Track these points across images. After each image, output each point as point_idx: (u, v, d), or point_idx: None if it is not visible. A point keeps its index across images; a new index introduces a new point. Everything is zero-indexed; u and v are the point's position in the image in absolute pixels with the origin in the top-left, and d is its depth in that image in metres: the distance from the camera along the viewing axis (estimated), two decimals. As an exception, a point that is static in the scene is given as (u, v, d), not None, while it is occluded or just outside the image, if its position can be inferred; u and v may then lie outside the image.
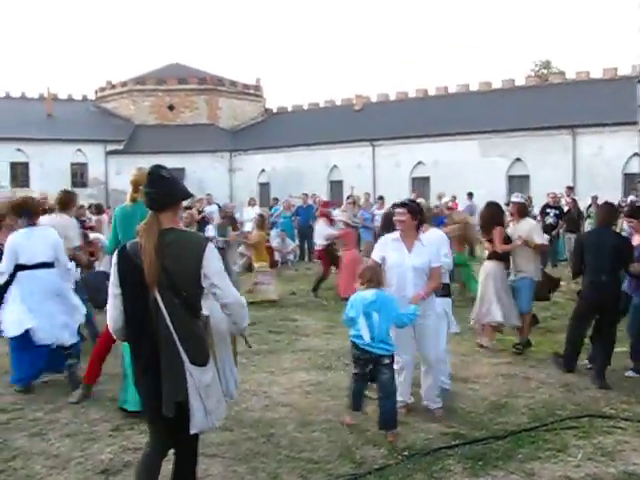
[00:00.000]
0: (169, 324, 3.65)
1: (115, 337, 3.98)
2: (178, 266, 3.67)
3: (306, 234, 20.70)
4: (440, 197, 20.45)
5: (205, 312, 3.95)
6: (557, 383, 7.15)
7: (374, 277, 5.75)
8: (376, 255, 6.19)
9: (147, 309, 3.68)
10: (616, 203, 21.83)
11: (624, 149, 29.13)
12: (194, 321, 3.78)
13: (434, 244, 6.29)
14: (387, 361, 5.66)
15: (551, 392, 6.83)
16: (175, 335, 3.66)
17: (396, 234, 6.20)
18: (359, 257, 12.94)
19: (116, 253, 3.83)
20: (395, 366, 5.93)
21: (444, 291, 6.71)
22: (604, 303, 7.44)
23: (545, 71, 56.08)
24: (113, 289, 3.79)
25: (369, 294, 5.64)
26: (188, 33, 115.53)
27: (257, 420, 5.99)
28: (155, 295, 3.65)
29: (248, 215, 21.99)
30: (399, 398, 5.97)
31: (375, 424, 5.80)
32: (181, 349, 3.67)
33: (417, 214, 6.12)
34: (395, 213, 6.23)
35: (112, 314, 3.82)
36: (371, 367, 5.65)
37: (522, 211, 9.20)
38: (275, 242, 18.71)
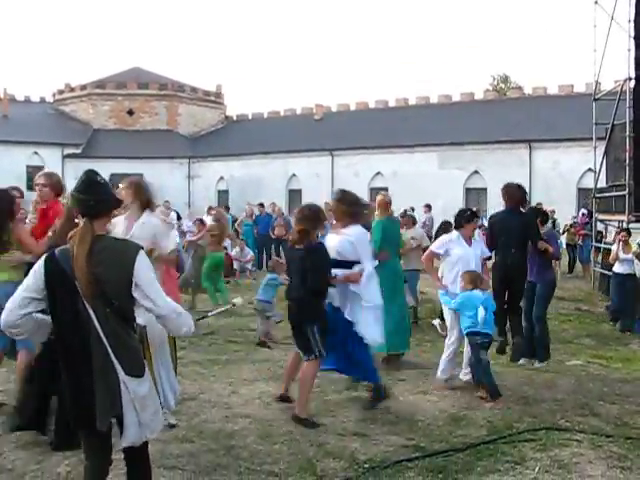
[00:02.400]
0: (101, 334, 3.53)
1: (10, 333, 3.76)
2: (109, 274, 3.55)
3: (265, 243, 20.67)
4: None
5: (141, 322, 3.81)
6: (514, 395, 7.22)
7: (478, 281, 7.25)
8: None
9: (77, 319, 3.54)
10: (570, 217, 22.40)
11: (579, 164, 29.76)
12: (127, 331, 3.64)
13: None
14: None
15: (509, 405, 6.89)
16: (108, 346, 3.54)
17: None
18: None
19: (43, 259, 3.66)
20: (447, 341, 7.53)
21: None
22: (510, 275, 8.19)
23: (503, 86, 57.00)
24: (29, 293, 3.59)
25: (480, 294, 7.18)
26: (149, 38, 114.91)
27: (217, 431, 5.93)
28: (86, 304, 3.53)
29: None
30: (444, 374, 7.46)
31: (335, 436, 5.82)
32: (115, 360, 3.55)
33: None
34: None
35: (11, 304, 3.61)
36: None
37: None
38: (234, 251, 18.65)
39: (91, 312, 3.53)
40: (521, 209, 8.66)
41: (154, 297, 3.63)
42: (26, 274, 3.79)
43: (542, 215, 9.30)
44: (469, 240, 7.74)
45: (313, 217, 6.37)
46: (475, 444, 5.68)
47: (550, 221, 18.99)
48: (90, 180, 3.76)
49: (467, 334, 7.23)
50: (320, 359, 6.23)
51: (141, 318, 3.84)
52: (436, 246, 7.89)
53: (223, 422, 6.17)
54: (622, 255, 12.08)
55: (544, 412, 6.67)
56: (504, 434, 5.94)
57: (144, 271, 3.62)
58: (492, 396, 6.96)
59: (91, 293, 3.51)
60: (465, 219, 7.73)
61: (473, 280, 7.25)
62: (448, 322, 7.78)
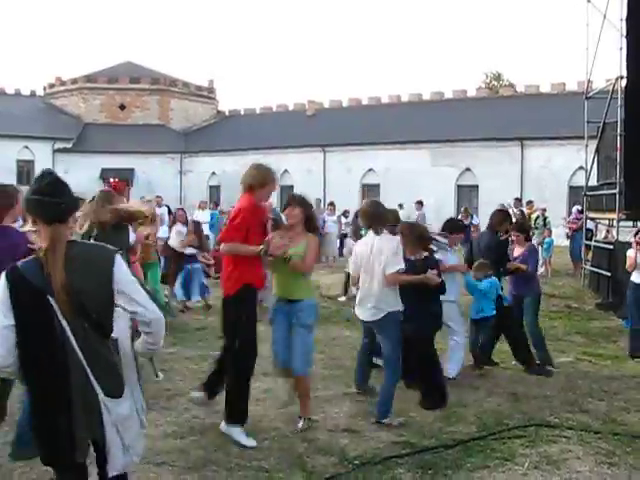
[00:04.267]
0: (79, 354, 3.18)
1: (4, 375, 3.38)
2: (87, 284, 3.19)
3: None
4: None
5: (113, 335, 3.45)
6: (504, 392, 7.25)
7: (488, 268, 8.05)
8: None
9: (51, 339, 3.16)
10: (563, 214, 22.43)
11: (570, 162, 29.84)
12: (106, 347, 3.31)
13: None
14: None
15: (499, 401, 6.93)
16: (87, 366, 3.20)
17: None
18: None
19: (4, 276, 3.20)
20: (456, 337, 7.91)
21: None
22: None
23: (496, 83, 57.10)
24: (8, 321, 3.16)
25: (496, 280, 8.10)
26: (142, 32, 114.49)
27: (207, 428, 5.93)
28: (61, 321, 3.16)
29: (199, 218, 21.79)
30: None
31: (325, 432, 5.86)
32: (94, 381, 3.22)
33: None
34: None
35: (1, 348, 3.18)
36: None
37: None
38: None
39: (68, 330, 3.18)
40: (498, 231, 8.75)
41: (143, 301, 3.36)
42: None
43: (523, 232, 9.09)
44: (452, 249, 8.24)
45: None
46: (465, 440, 5.71)
47: (541, 219, 19.19)
48: (57, 181, 3.30)
49: (482, 319, 8.13)
50: None
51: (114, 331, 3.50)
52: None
53: (213, 418, 6.17)
54: None
55: (534, 409, 6.71)
56: (494, 430, 5.98)
57: (125, 276, 3.33)
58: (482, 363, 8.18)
59: (70, 307, 3.16)
60: (454, 228, 8.35)
61: (484, 267, 8.12)
62: (455, 320, 7.86)
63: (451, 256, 8.03)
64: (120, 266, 3.31)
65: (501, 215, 8.98)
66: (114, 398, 3.29)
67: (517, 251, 8.84)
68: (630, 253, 9.52)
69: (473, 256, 8.67)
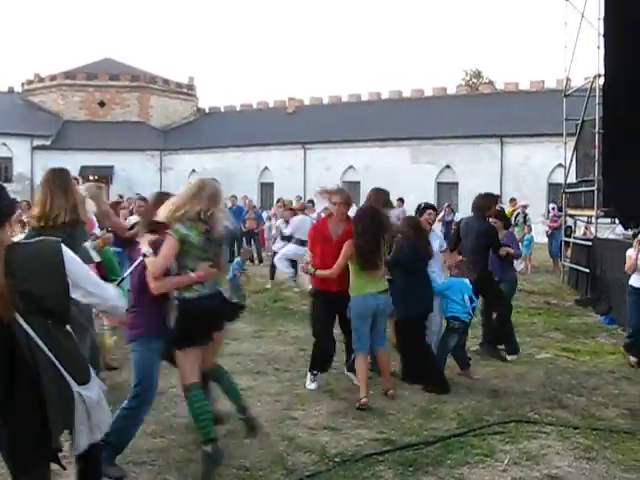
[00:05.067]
0: (47, 351, 3.10)
1: None
2: (42, 286, 3.09)
3: (236, 236, 20.54)
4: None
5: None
6: (485, 389, 7.28)
7: (467, 269, 7.75)
8: None
9: (13, 344, 3.05)
10: (543, 211, 22.53)
11: (549, 159, 30.03)
12: (69, 338, 3.29)
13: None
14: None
15: (479, 398, 6.95)
16: (56, 361, 3.14)
17: None
18: None
19: None
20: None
21: None
22: (475, 279, 8.15)
23: (476, 81, 57.27)
24: None
25: (467, 282, 7.67)
26: (121, 28, 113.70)
27: (187, 426, 5.88)
28: (22, 326, 3.05)
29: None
30: None
31: (306, 430, 5.86)
32: (65, 373, 3.18)
33: None
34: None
35: None
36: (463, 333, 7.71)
37: None
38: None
39: (31, 332, 3.07)
40: (487, 215, 8.90)
41: (99, 292, 3.33)
42: None
43: (503, 219, 9.58)
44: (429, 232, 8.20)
45: None
46: (445, 437, 5.72)
47: (522, 216, 19.28)
48: None
49: (448, 317, 7.68)
50: None
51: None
52: None
53: (194, 416, 6.13)
54: None
55: (513, 405, 6.74)
56: (474, 427, 6.00)
57: (76, 266, 3.25)
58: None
59: (26, 312, 3.04)
60: (419, 211, 8.15)
61: (462, 267, 7.87)
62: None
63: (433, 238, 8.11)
64: (69, 257, 3.23)
65: (488, 199, 9.04)
66: (85, 385, 3.28)
67: (501, 235, 9.10)
68: (630, 253, 8.71)
69: (460, 241, 8.76)
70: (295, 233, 13.59)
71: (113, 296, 3.42)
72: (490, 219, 8.92)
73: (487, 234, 8.61)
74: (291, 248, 13.74)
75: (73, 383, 3.22)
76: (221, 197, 5.07)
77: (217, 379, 5.40)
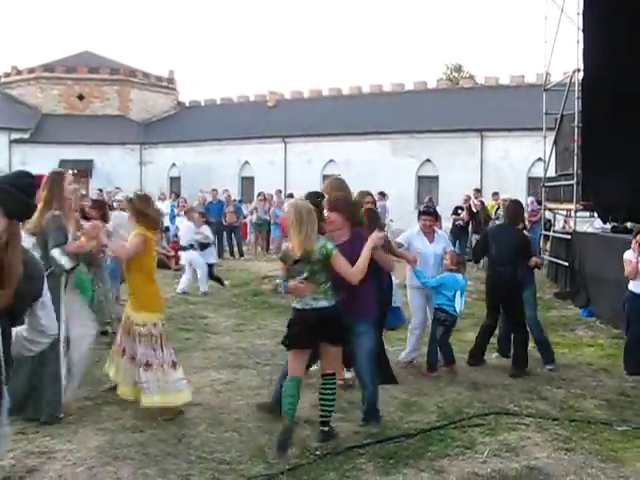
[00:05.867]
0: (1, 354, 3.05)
1: None
2: (28, 291, 3.08)
3: (217, 230, 20.52)
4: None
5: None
6: (465, 382, 7.33)
7: (461, 264, 7.81)
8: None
9: None
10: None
11: (529, 154, 30.15)
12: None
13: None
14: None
15: (459, 390, 6.99)
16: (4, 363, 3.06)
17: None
18: None
19: None
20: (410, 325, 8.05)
21: None
22: (501, 291, 8.01)
23: (456, 75, 57.43)
24: None
25: (460, 277, 7.75)
26: (101, 21, 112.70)
27: (167, 420, 5.88)
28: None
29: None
30: (412, 354, 8.10)
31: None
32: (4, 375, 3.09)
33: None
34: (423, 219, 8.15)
35: None
36: (449, 326, 7.79)
37: None
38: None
39: None
40: (518, 225, 8.63)
41: (46, 325, 3.24)
42: None
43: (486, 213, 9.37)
44: (431, 235, 8.13)
45: None
46: (426, 430, 5.75)
47: (502, 210, 19.35)
48: (32, 183, 3.20)
49: (437, 309, 7.79)
50: None
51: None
52: (400, 237, 8.26)
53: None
54: None
55: (493, 397, 6.79)
56: (454, 419, 6.04)
57: (46, 298, 3.24)
58: (429, 369, 7.73)
59: (6, 302, 2.97)
60: (418, 215, 8.30)
61: (459, 263, 7.88)
62: (413, 307, 8.15)
63: (438, 241, 8.18)
64: (46, 289, 3.22)
65: (517, 207, 8.77)
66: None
67: None
68: (629, 257, 7.97)
69: (488, 249, 8.30)
70: None
71: (47, 336, 3.31)
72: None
73: (524, 246, 8.22)
74: None
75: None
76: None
77: None
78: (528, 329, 8.11)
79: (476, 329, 9.67)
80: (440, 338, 7.78)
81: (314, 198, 6.22)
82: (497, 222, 18.24)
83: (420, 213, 8.44)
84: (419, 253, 7.92)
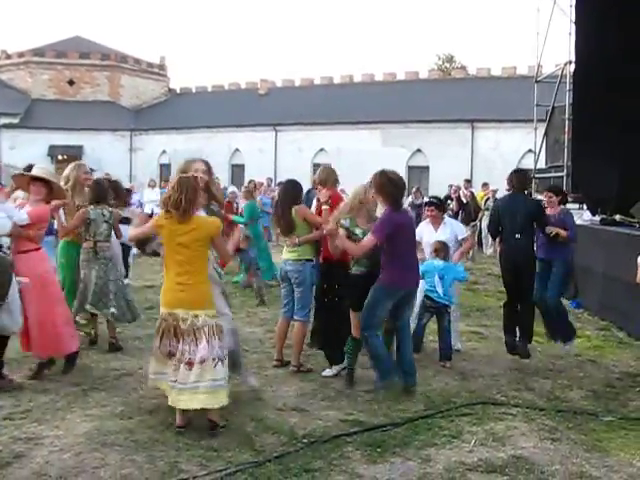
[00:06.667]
0: None
1: None
2: None
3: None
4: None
5: None
6: (453, 371, 7.35)
7: (442, 252, 7.92)
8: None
9: None
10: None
11: (520, 145, 30.20)
12: None
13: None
14: (447, 310, 7.88)
15: (447, 380, 7.02)
16: None
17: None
18: None
19: None
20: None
21: None
22: (518, 262, 7.84)
23: (448, 65, 57.38)
24: None
25: (439, 262, 7.87)
26: (91, 6, 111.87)
27: (156, 407, 5.87)
28: None
29: (149, 197, 21.56)
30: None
31: (274, 411, 5.88)
32: None
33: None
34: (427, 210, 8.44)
35: None
36: (436, 314, 7.85)
37: None
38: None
39: None
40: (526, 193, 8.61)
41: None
42: None
43: (560, 194, 8.82)
44: (437, 224, 8.29)
45: None
46: (413, 419, 5.76)
47: (492, 200, 19.40)
48: None
49: (424, 296, 7.89)
50: None
51: None
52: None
53: (161, 397, 6.08)
54: None
55: (481, 387, 6.81)
56: (441, 409, 6.05)
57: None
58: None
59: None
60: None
61: (437, 249, 8.00)
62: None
63: (444, 229, 8.31)
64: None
65: (525, 176, 8.64)
66: None
67: (550, 211, 8.47)
68: None
69: (500, 220, 8.03)
70: None
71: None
72: (545, 194, 8.61)
73: (537, 210, 7.99)
74: None
75: None
76: None
77: None
78: (544, 309, 8.27)
79: (466, 320, 9.75)
80: (424, 325, 7.99)
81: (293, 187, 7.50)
82: (486, 212, 18.29)
83: (424, 204, 8.88)
84: (426, 243, 8.16)
